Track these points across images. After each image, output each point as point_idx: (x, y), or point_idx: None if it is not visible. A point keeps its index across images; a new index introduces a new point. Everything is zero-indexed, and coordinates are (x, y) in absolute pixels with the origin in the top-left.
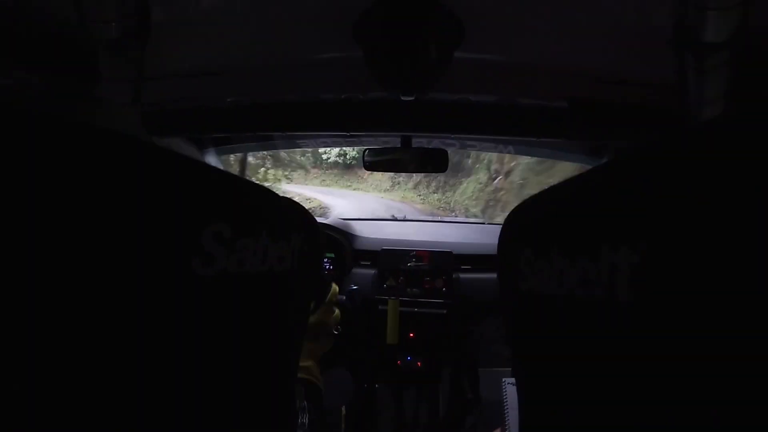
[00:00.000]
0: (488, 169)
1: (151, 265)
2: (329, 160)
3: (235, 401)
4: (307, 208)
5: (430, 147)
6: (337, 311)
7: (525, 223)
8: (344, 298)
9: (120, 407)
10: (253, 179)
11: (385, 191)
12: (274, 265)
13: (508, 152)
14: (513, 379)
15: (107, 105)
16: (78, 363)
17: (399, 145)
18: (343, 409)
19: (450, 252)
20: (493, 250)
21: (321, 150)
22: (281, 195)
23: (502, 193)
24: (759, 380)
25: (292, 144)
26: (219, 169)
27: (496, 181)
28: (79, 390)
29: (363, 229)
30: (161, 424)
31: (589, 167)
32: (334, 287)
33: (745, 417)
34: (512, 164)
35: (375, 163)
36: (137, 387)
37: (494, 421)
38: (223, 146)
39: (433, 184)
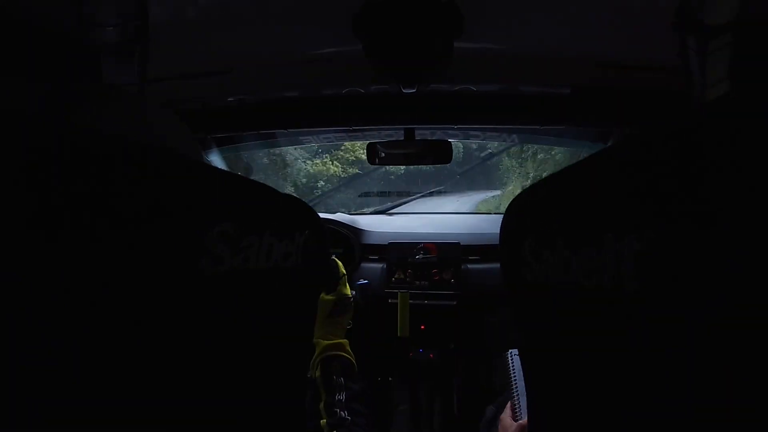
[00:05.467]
0: None
1: (159, 268)
2: None
3: (245, 397)
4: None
5: (433, 138)
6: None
7: (527, 212)
8: (354, 293)
9: (129, 408)
10: None
11: None
12: (279, 261)
13: (512, 141)
14: (517, 350)
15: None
16: (86, 365)
17: (402, 138)
18: None
19: (458, 243)
20: None
21: None
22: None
23: None
24: None
25: (295, 141)
26: (221, 169)
27: None
28: (88, 391)
29: (369, 223)
30: (172, 423)
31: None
32: (339, 262)
33: (754, 407)
34: None
35: (379, 156)
36: (147, 386)
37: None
38: (226, 146)
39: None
